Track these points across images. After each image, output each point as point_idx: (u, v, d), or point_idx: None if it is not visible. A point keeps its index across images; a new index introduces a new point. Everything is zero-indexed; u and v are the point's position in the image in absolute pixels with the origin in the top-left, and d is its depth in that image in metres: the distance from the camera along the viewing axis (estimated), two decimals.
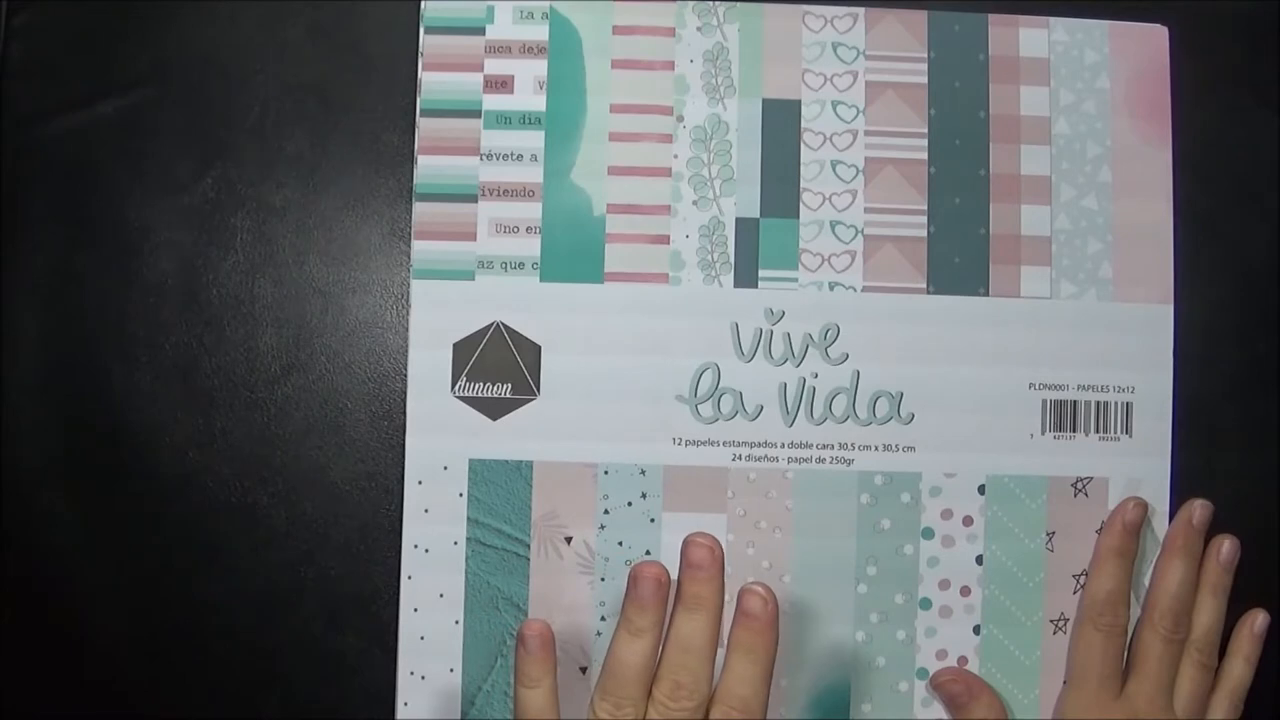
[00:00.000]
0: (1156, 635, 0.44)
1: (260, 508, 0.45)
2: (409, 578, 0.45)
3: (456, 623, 0.45)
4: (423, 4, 0.47)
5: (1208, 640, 0.45)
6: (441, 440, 0.46)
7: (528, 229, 0.46)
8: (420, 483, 0.45)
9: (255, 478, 0.46)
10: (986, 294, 0.46)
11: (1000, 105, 0.47)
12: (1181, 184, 0.47)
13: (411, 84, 0.46)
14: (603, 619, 0.45)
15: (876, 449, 0.46)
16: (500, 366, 0.46)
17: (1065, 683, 0.45)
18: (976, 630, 0.46)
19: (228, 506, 0.45)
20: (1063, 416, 0.46)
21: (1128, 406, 0.47)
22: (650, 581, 0.39)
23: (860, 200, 0.47)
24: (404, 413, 0.46)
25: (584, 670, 0.45)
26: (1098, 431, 0.46)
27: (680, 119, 0.47)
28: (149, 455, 0.45)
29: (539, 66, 0.47)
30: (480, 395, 0.46)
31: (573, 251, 0.46)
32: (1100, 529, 0.46)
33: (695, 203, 0.46)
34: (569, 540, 0.46)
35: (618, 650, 0.39)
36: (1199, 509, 0.46)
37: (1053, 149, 0.47)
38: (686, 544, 0.40)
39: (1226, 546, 0.45)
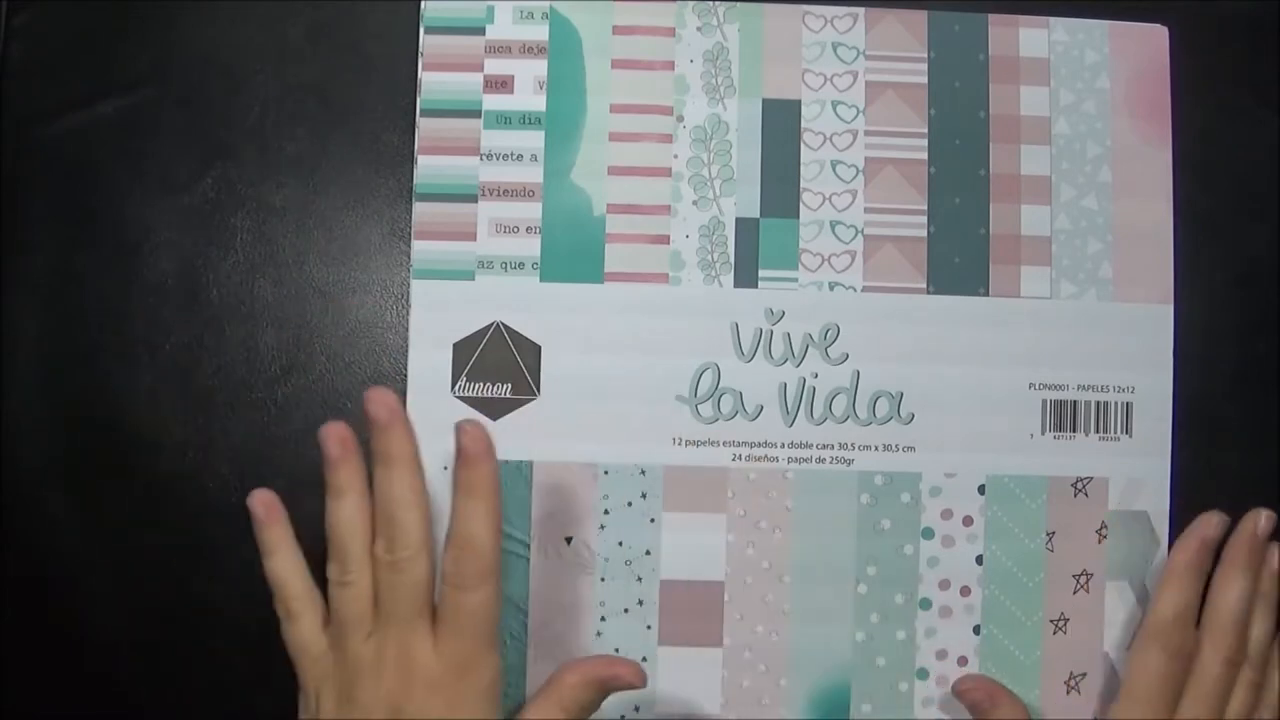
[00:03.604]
0: (1218, 656, 0.41)
1: None
2: None
3: None
4: (423, 4, 0.47)
5: (1262, 657, 0.42)
6: (441, 440, 0.45)
7: (528, 229, 0.46)
8: None
9: (255, 478, 0.45)
10: (986, 294, 0.46)
11: (1000, 105, 0.47)
12: (1181, 184, 0.47)
13: (411, 84, 0.46)
14: (603, 619, 0.45)
15: (876, 449, 0.46)
16: (500, 366, 0.46)
17: (1117, 699, 0.42)
18: (976, 630, 0.46)
19: (228, 507, 0.45)
20: (1063, 416, 0.46)
21: (1128, 406, 0.46)
22: (333, 440, 0.39)
23: (860, 200, 0.47)
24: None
25: None
26: (1098, 431, 0.46)
27: (680, 119, 0.47)
28: (149, 455, 0.45)
29: (539, 66, 0.47)
30: (480, 395, 0.46)
31: (573, 251, 0.46)
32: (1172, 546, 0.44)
33: (695, 203, 0.46)
34: (569, 540, 0.45)
35: (328, 516, 0.39)
36: (1264, 519, 0.42)
37: (1053, 149, 0.47)
38: (366, 401, 0.38)
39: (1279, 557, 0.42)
